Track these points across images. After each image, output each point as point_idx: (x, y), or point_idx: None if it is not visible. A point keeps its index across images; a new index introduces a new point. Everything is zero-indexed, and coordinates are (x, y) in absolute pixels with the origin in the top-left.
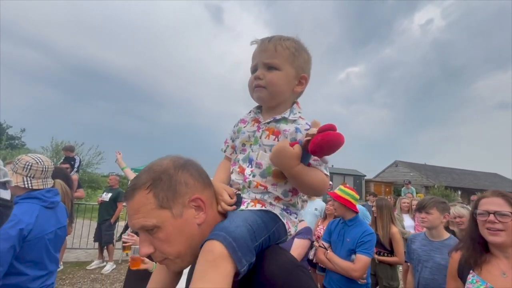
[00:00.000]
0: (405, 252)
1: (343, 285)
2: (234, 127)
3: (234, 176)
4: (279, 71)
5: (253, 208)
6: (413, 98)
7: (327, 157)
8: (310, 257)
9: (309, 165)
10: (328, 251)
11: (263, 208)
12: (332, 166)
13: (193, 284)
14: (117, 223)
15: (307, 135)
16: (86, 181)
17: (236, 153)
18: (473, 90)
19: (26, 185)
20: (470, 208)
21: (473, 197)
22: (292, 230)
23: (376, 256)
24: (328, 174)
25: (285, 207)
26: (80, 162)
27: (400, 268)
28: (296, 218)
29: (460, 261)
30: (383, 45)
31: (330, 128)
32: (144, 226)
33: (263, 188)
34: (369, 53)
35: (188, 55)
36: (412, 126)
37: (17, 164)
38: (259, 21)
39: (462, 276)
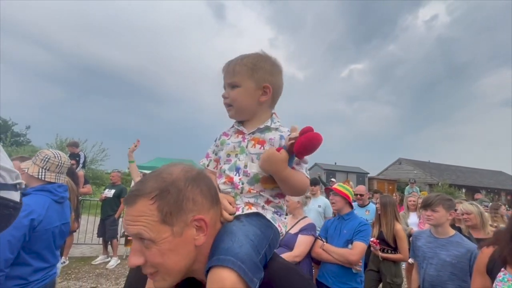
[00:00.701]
0: (409, 249)
1: (337, 275)
2: (215, 141)
3: (222, 187)
4: (239, 87)
5: (249, 211)
6: (417, 95)
7: (307, 159)
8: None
9: (293, 168)
10: (325, 243)
11: (258, 211)
12: (335, 163)
13: None
14: (120, 219)
15: (290, 139)
16: (90, 178)
17: (220, 164)
18: (477, 87)
19: (40, 176)
20: (478, 205)
21: (477, 195)
22: (283, 231)
23: (380, 253)
24: (308, 176)
25: (275, 210)
26: (85, 158)
27: (404, 265)
28: (285, 218)
29: (492, 256)
30: (386, 41)
31: (309, 129)
32: (140, 235)
33: (255, 192)
34: (373, 49)
35: (191, 52)
36: (416, 124)
37: (37, 156)
38: (262, 17)
39: (491, 272)
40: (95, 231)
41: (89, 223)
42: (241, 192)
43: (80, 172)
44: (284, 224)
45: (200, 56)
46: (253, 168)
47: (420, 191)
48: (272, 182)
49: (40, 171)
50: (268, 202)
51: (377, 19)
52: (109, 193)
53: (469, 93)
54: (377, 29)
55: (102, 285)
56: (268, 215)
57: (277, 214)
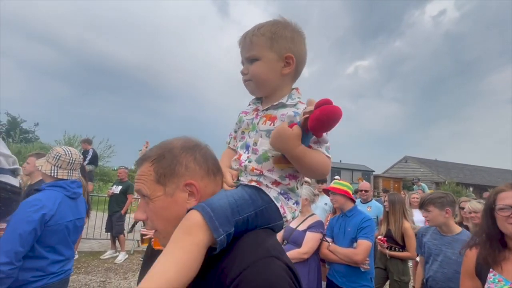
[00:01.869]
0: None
1: (346, 275)
2: (237, 118)
3: (233, 164)
4: (258, 60)
5: (245, 182)
6: (424, 93)
7: (326, 137)
8: None
9: (310, 147)
10: (331, 244)
11: (257, 185)
12: (340, 161)
13: (165, 249)
14: (127, 215)
15: (304, 113)
16: (97, 174)
17: (237, 142)
18: (486, 84)
19: (52, 174)
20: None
21: (485, 194)
22: (288, 216)
23: (387, 251)
24: (330, 156)
25: (282, 191)
26: (92, 154)
27: (410, 263)
28: (294, 204)
29: (477, 259)
30: (392, 37)
31: (326, 102)
32: (139, 191)
33: (258, 172)
34: (378, 46)
35: (195, 49)
36: (423, 121)
37: (50, 153)
38: (266, 13)
39: (480, 275)
40: (104, 227)
41: (97, 219)
42: (245, 170)
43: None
44: (291, 210)
45: (204, 53)
46: (263, 146)
47: (427, 189)
48: (285, 162)
49: (52, 168)
50: (275, 183)
51: (383, 14)
52: (116, 189)
53: (477, 90)
54: (383, 25)
55: (111, 279)
56: (272, 193)
57: (284, 196)
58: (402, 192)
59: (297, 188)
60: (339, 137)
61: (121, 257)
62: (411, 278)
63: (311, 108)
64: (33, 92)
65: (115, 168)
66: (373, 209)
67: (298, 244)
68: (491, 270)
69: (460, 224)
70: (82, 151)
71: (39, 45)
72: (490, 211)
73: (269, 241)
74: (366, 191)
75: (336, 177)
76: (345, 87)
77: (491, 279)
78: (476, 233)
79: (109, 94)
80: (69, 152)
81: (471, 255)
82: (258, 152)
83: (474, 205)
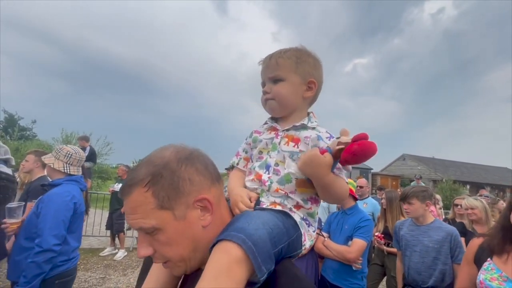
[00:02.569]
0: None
1: (338, 272)
2: (247, 138)
3: (248, 184)
4: (283, 81)
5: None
6: (422, 90)
7: (350, 166)
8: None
9: (332, 173)
10: (326, 239)
11: (283, 209)
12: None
13: (201, 284)
14: None
15: (339, 143)
16: (96, 172)
17: (252, 161)
18: (484, 82)
19: (66, 171)
20: (482, 200)
21: (482, 191)
22: (307, 244)
23: (384, 247)
24: (347, 181)
25: (304, 217)
26: (90, 152)
27: None
28: (313, 231)
29: (481, 246)
30: (391, 35)
31: (364, 137)
32: (143, 228)
33: (283, 193)
34: (377, 43)
35: (194, 46)
36: (421, 119)
37: (59, 152)
38: (265, 11)
39: (478, 261)
40: (102, 224)
41: (96, 216)
42: (268, 190)
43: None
44: (310, 238)
45: (203, 50)
46: (287, 167)
47: None
48: (309, 187)
49: (65, 166)
50: (297, 206)
51: (382, 12)
52: (117, 187)
53: (475, 88)
54: (382, 23)
55: (110, 276)
56: (296, 218)
57: (305, 222)
58: (399, 190)
59: (316, 214)
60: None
61: (121, 254)
62: None
63: (347, 139)
64: (30, 89)
65: (114, 166)
66: (369, 205)
67: None
68: (488, 259)
69: (453, 220)
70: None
71: (36, 42)
72: (510, 207)
73: (303, 276)
74: (361, 187)
75: None
76: (344, 85)
77: (485, 266)
78: (494, 224)
79: (107, 91)
80: (78, 151)
81: (477, 242)
82: (280, 173)
83: (471, 201)
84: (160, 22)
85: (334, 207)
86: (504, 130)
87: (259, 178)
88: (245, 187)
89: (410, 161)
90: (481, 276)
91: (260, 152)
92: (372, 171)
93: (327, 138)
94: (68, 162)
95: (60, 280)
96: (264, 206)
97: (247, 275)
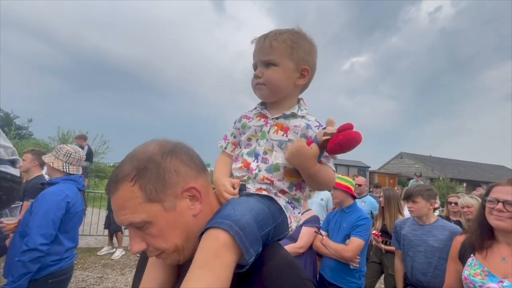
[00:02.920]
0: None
1: (335, 271)
2: (235, 123)
3: (236, 173)
4: (276, 66)
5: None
6: (419, 89)
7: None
8: None
9: (320, 162)
10: (324, 238)
11: (269, 194)
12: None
13: (191, 272)
14: None
15: (325, 134)
16: (93, 171)
17: (240, 148)
18: (481, 81)
19: (65, 170)
20: (478, 198)
21: (479, 189)
22: (293, 225)
23: (382, 245)
24: (335, 170)
25: (289, 201)
26: (88, 151)
27: None
28: (299, 213)
29: (463, 243)
30: (389, 33)
31: (349, 127)
32: (133, 223)
33: (269, 181)
34: (375, 42)
35: (191, 45)
36: (418, 118)
37: (59, 151)
38: (263, 9)
39: (462, 258)
40: (99, 223)
41: (93, 215)
42: (255, 178)
43: None
44: (296, 219)
45: (201, 49)
46: (274, 156)
47: None
48: (296, 175)
49: (64, 165)
50: (282, 192)
51: (379, 10)
52: None
53: (472, 86)
54: (379, 21)
55: (108, 275)
56: (280, 202)
57: (291, 205)
58: (396, 188)
59: (301, 199)
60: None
61: (118, 253)
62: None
63: (333, 130)
64: (26, 88)
65: (111, 165)
66: (367, 204)
67: (293, 238)
68: (471, 255)
69: (447, 218)
70: None
71: (32, 39)
72: (483, 202)
73: (292, 258)
74: (359, 185)
75: None
76: (341, 84)
77: (469, 263)
78: (472, 220)
79: (104, 89)
80: (78, 151)
81: (459, 239)
82: (268, 162)
83: (467, 200)
84: (158, 20)
85: (331, 204)
86: (501, 129)
87: (247, 166)
88: (232, 175)
89: (408, 159)
90: (466, 272)
91: (249, 139)
92: (369, 169)
93: (316, 127)
94: (68, 161)
95: (54, 279)
96: (250, 192)
97: (235, 259)
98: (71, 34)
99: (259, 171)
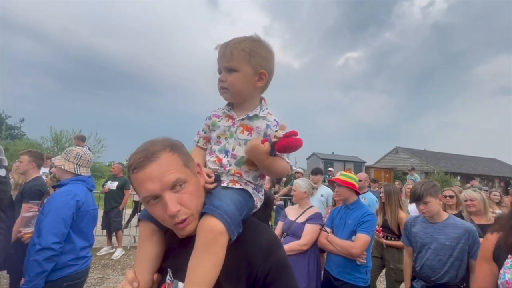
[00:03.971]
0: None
1: (342, 267)
2: (206, 120)
3: (210, 165)
4: (237, 72)
5: (234, 186)
6: (413, 84)
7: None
8: None
9: (275, 155)
10: (329, 234)
11: (241, 187)
12: (333, 153)
13: (198, 257)
14: (124, 211)
15: (274, 136)
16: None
17: (211, 144)
18: (473, 75)
19: (76, 172)
20: (481, 192)
21: (473, 182)
22: (258, 205)
23: (384, 240)
24: (288, 161)
25: (255, 187)
26: None
27: None
28: (262, 195)
29: (498, 243)
30: (383, 29)
31: (293, 134)
32: (179, 179)
33: (238, 174)
34: (368, 37)
35: (184, 42)
36: (412, 112)
37: (69, 153)
38: (256, 5)
39: (498, 259)
40: (98, 223)
41: None
42: (228, 172)
43: None
44: (260, 200)
45: (194, 46)
46: (240, 152)
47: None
48: (254, 165)
49: (75, 167)
50: (250, 182)
51: (373, 5)
52: (112, 185)
53: (465, 80)
54: (373, 16)
55: (109, 275)
56: (249, 189)
57: (256, 191)
58: (398, 184)
59: (263, 184)
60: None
61: (118, 253)
62: None
63: (280, 134)
64: (17, 87)
65: (107, 164)
66: (367, 200)
67: (297, 236)
68: (509, 256)
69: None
70: None
71: (22, 37)
72: None
73: (265, 225)
74: (360, 180)
75: (330, 168)
76: (336, 79)
77: (508, 265)
78: (501, 218)
79: (97, 88)
80: (87, 153)
81: (492, 238)
82: (237, 157)
83: (470, 193)
84: (151, 17)
85: (331, 201)
86: (492, 122)
87: (220, 161)
88: (206, 165)
89: (403, 153)
90: (507, 275)
91: (218, 137)
92: (365, 164)
93: (274, 126)
94: (78, 163)
95: (69, 282)
96: (225, 184)
97: (227, 240)
98: (62, 31)
99: (230, 165)
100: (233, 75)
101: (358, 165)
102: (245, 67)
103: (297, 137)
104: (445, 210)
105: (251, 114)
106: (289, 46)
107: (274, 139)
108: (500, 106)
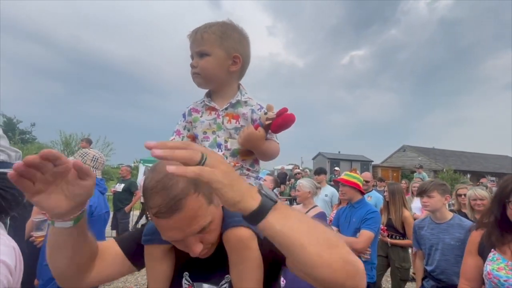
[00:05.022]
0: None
1: None
2: (185, 116)
3: None
4: (209, 56)
5: None
6: (420, 80)
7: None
8: None
9: (266, 139)
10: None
11: (249, 181)
12: (339, 152)
13: (239, 269)
14: (131, 212)
15: (267, 119)
16: None
17: (197, 141)
18: (482, 70)
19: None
20: (489, 191)
21: (483, 180)
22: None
23: (388, 239)
24: (278, 142)
25: (256, 176)
26: None
27: (411, 250)
28: (260, 180)
29: (481, 239)
30: (388, 25)
31: (285, 111)
32: (204, 226)
33: (238, 165)
34: (373, 34)
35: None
36: (420, 109)
37: (85, 156)
38: (259, 5)
39: (482, 254)
40: (108, 224)
41: None
42: None
43: None
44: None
45: None
46: (232, 143)
47: (427, 177)
48: (250, 155)
49: (92, 170)
50: (249, 170)
51: (377, 2)
52: (119, 187)
53: (473, 76)
54: (377, 13)
55: None
56: (251, 180)
57: (258, 179)
58: (403, 182)
59: (260, 169)
60: (337, 129)
61: None
62: (411, 264)
63: (273, 115)
64: (27, 92)
65: (115, 166)
66: (373, 198)
67: None
68: (492, 250)
69: (459, 212)
70: None
71: (31, 44)
72: (502, 200)
73: None
74: (366, 181)
75: (336, 168)
76: (341, 78)
77: (490, 257)
78: (484, 215)
79: (104, 91)
80: (101, 155)
81: (476, 235)
82: (230, 149)
83: (479, 192)
84: (153, 19)
85: (335, 200)
86: (503, 118)
87: None
88: None
89: (411, 152)
90: (488, 267)
91: (205, 133)
92: (372, 163)
93: (258, 110)
94: (95, 166)
95: None
96: None
97: (257, 241)
98: (68, 37)
99: (226, 158)
100: (205, 59)
101: (365, 164)
102: (217, 50)
103: (288, 112)
104: (460, 210)
105: (233, 101)
106: (293, 46)
107: (267, 122)
108: (510, 101)
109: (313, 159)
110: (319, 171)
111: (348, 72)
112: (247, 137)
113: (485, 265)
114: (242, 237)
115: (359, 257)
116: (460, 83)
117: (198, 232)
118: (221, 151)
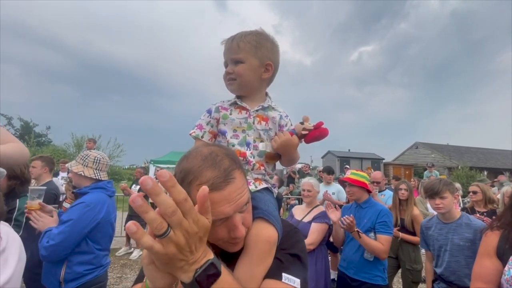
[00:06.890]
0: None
1: (358, 266)
2: (211, 113)
3: None
4: (243, 63)
5: (260, 186)
6: (432, 76)
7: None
8: (331, 239)
9: None
10: (361, 233)
11: (267, 186)
12: (349, 150)
13: (253, 267)
14: None
15: (303, 129)
16: (108, 174)
17: (225, 138)
18: (498, 63)
19: (97, 177)
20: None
21: (501, 177)
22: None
23: (400, 233)
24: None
25: (272, 184)
26: None
27: (423, 250)
28: (275, 188)
29: (500, 240)
30: (397, 19)
31: (321, 124)
32: (249, 200)
33: (263, 168)
34: (382, 29)
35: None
36: (432, 105)
37: (86, 159)
38: (264, 4)
39: (502, 256)
40: (117, 224)
41: None
42: (252, 169)
43: None
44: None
45: (205, 48)
46: (261, 145)
47: (440, 175)
48: (275, 159)
49: (95, 172)
50: (269, 174)
51: None
52: (134, 189)
53: (488, 70)
54: (386, 7)
55: (127, 275)
56: (269, 186)
57: (273, 187)
58: (412, 180)
59: (273, 176)
60: (347, 126)
61: (136, 253)
62: (423, 265)
63: (310, 127)
64: (42, 96)
65: (126, 167)
66: (386, 196)
67: (304, 235)
68: None
69: (472, 209)
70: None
71: (43, 49)
72: None
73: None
74: (378, 182)
75: (346, 166)
76: (350, 74)
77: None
78: (502, 215)
79: (114, 93)
80: (104, 156)
81: (493, 235)
82: (258, 148)
83: (507, 189)
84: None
85: (343, 198)
86: None
87: (243, 155)
88: None
89: (423, 149)
90: (511, 272)
91: (235, 131)
92: (384, 161)
93: (285, 117)
94: (98, 168)
95: (92, 287)
96: (251, 185)
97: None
98: (79, 41)
99: (254, 157)
100: (240, 66)
101: (376, 162)
102: (251, 59)
103: (323, 126)
104: (472, 208)
105: (265, 105)
106: (300, 44)
107: (303, 131)
108: None
109: (322, 157)
110: (328, 171)
111: (357, 68)
112: (283, 143)
113: (508, 269)
114: (271, 238)
115: (370, 259)
116: (475, 76)
117: (245, 204)
118: (250, 150)
